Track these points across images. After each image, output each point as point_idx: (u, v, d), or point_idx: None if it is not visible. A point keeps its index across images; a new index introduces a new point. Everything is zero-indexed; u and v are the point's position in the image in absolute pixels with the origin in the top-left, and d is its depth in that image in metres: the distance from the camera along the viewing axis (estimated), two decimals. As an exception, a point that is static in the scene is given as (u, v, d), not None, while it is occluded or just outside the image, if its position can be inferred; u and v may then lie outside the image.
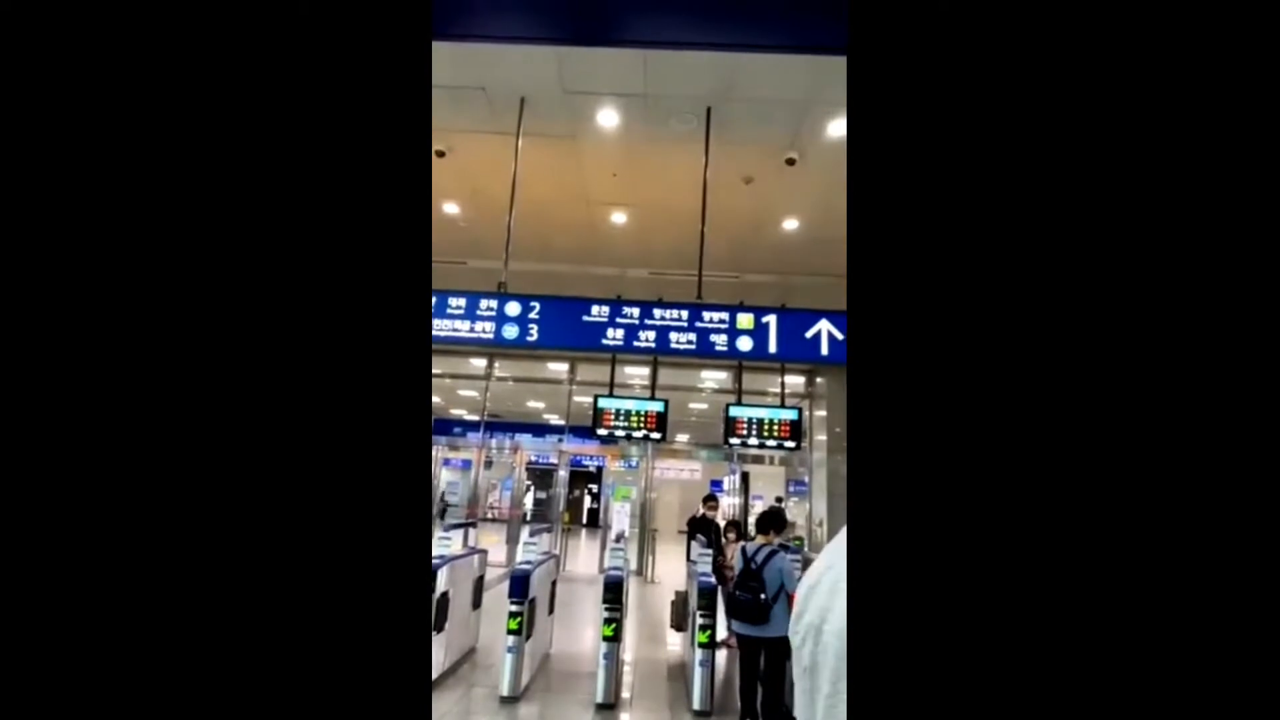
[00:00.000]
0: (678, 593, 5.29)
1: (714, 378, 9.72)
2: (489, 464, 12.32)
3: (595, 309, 3.95)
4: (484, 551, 5.27)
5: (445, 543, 4.51)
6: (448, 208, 5.71)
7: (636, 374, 9.37)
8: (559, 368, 10.16)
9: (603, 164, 4.87)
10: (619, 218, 5.73)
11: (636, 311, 3.94)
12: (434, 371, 10.45)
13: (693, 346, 3.94)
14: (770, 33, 3.08)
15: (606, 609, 3.95)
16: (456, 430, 13.59)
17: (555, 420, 14.17)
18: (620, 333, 3.92)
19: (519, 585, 3.97)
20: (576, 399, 10.71)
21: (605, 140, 4.56)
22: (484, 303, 3.95)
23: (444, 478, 12.33)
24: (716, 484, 13.23)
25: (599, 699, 3.87)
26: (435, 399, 13.19)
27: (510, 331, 3.91)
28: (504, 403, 12.94)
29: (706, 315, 3.96)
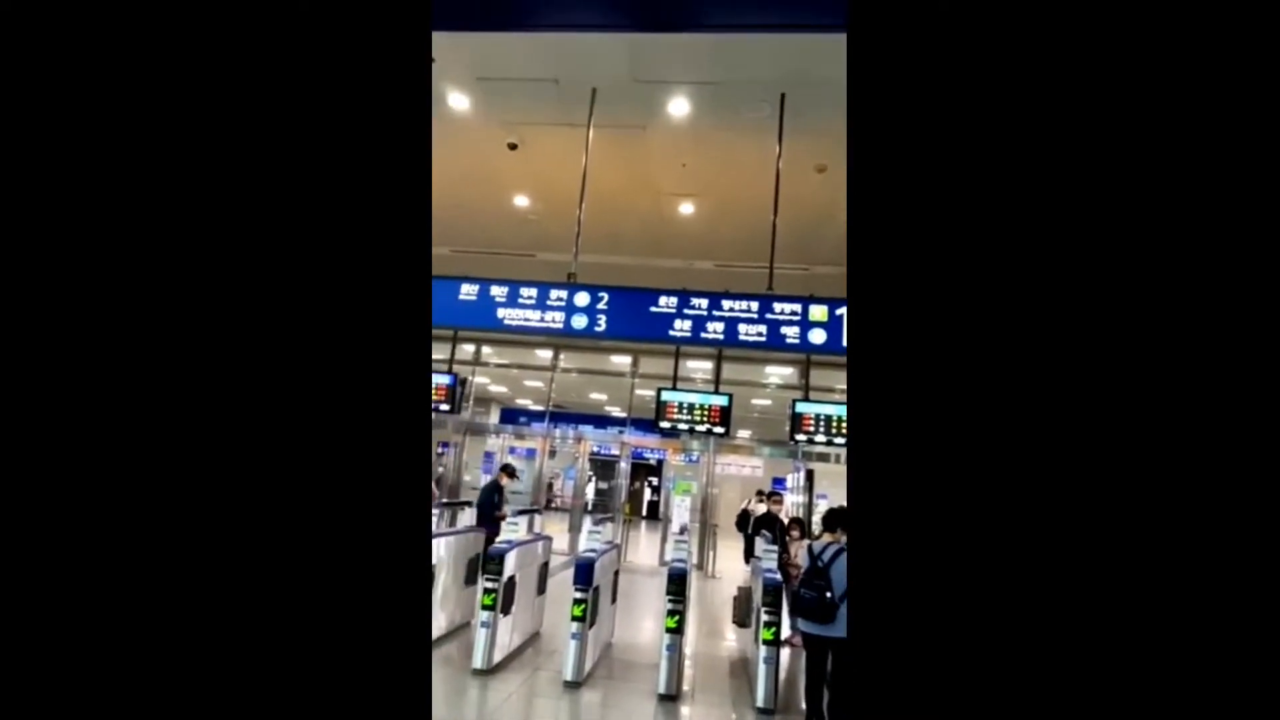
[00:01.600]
0: (740, 588, 5.24)
1: (778, 373, 9.55)
2: (553, 453, 12.54)
3: (663, 300, 3.93)
4: (549, 538, 5.36)
5: (513, 528, 4.61)
6: (518, 200, 5.81)
7: (699, 368, 9.31)
8: (622, 360, 10.22)
9: (672, 154, 4.84)
10: (687, 209, 5.69)
11: (705, 303, 3.90)
12: (503, 362, 10.71)
13: (763, 339, 3.87)
14: (766, 11, 3.01)
15: (670, 600, 3.94)
16: (522, 420, 13.88)
17: (616, 412, 14.28)
18: (688, 324, 3.89)
19: (584, 573, 4.01)
20: (638, 392, 10.74)
21: (675, 130, 4.53)
22: (554, 293, 4.00)
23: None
24: (779, 481, 13.01)
25: (661, 690, 3.87)
26: (502, 388, 13.52)
27: (579, 321, 3.94)
28: (568, 394, 13.14)
29: (778, 307, 3.88)
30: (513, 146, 4.86)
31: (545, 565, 5.16)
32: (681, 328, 3.88)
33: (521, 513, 4.93)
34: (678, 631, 3.93)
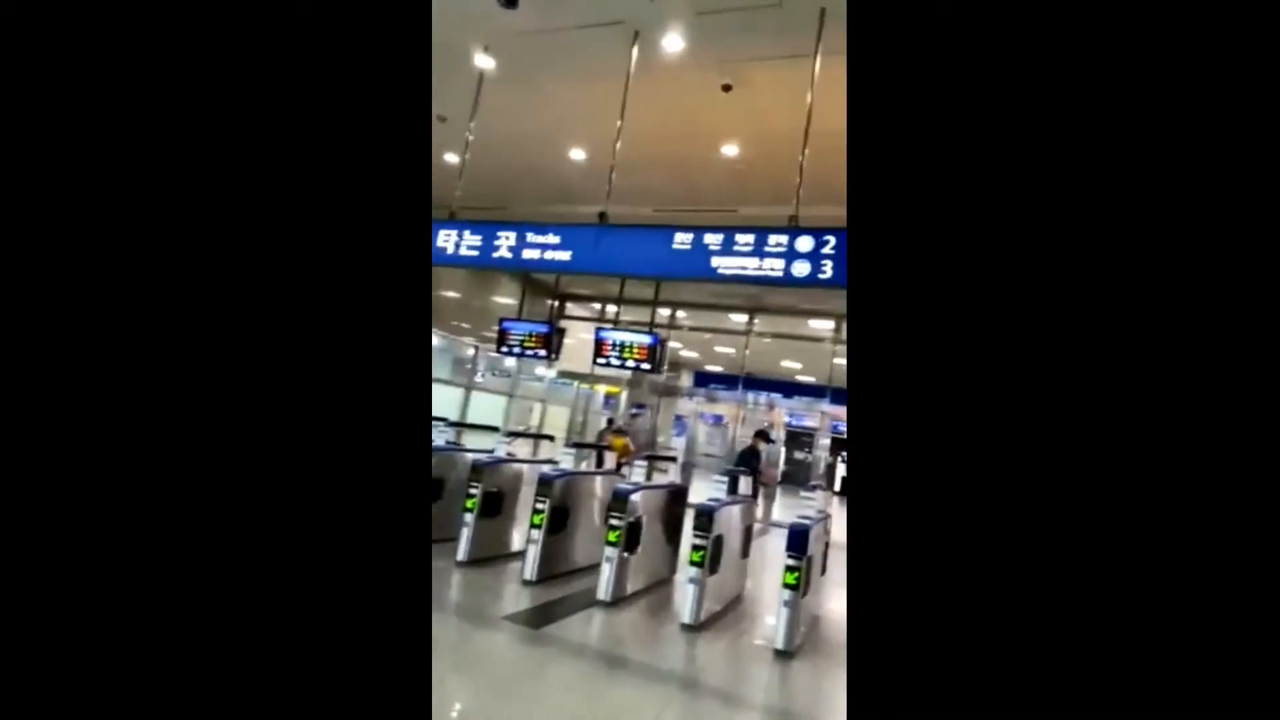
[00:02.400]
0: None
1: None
2: (744, 421, 12.35)
3: (902, 242, 3.45)
4: (753, 500, 5.18)
5: (719, 485, 4.49)
6: (726, 150, 5.56)
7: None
8: (822, 325, 9.64)
9: (908, 80, 4.25)
10: (918, 146, 5.02)
11: (955, 243, 3.35)
12: (695, 325, 10.67)
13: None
14: None
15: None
16: (714, 385, 13.85)
17: (809, 381, 13.64)
18: (933, 269, 3.38)
19: (798, 540, 3.76)
20: (838, 361, 10.10)
21: (915, 50, 3.94)
22: (773, 238, 3.71)
23: (701, 431, 12.69)
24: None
25: (884, 675, 3.53)
26: (694, 354, 13.56)
27: (800, 269, 3.62)
28: (759, 361, 12.79)
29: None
30: (727, 88, 4.58)
31: (749, 529, 5.00)
32: (924, 273, 3.38)
33: (728, 473, 4.79)
34: (904, 615, 3.54)
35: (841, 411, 11.46)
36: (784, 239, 3.67)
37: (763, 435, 5.79)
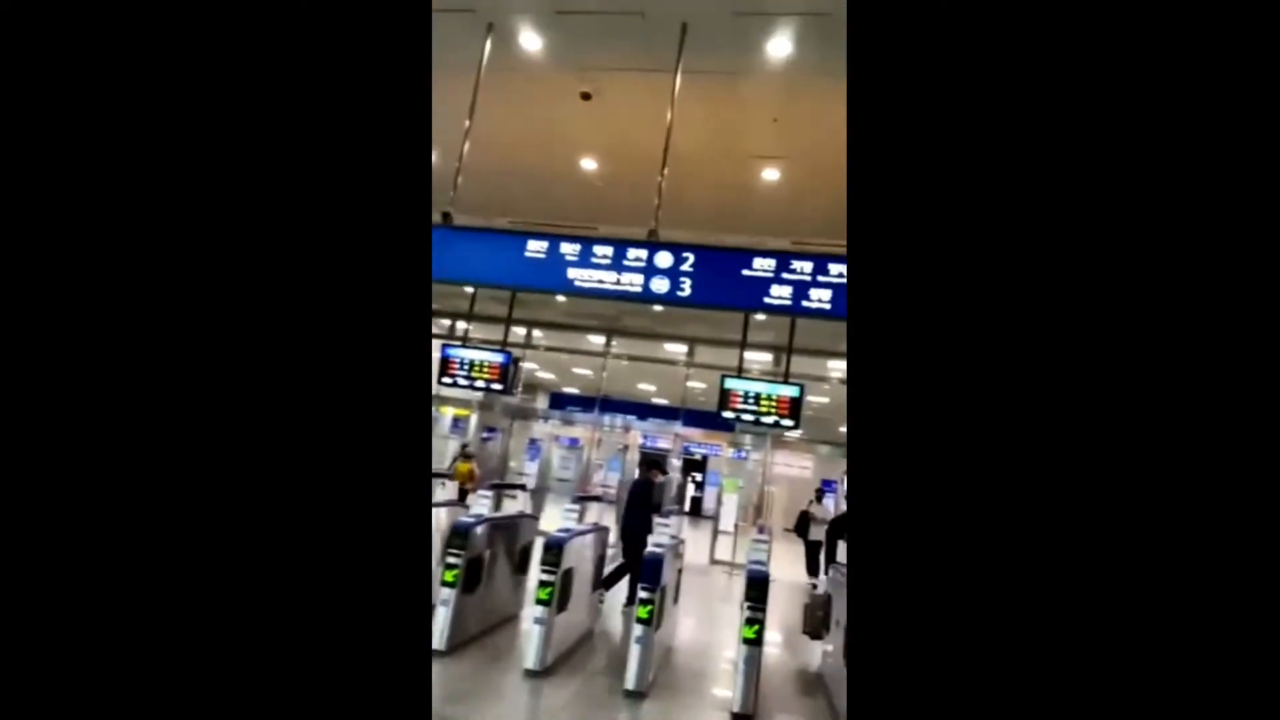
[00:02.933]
0: (814, 596, 4.73)
1: (842, 369, 8.95)
2: (599, 443, 12.17)
3: (759, 262, 3.42)
4: (606, 529, 4.93)
5: (571, 516, 4.20)
6: (585, 163, 5.38)
7: (756, 360, 8.80)
8: (676, 349, 9.77)
9: (763, 107, 4.33)
10: (771, 174, 5.16)
11: (809, 266, 3.38)
12: (554, 345, 10.37)
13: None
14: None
15: (749, 608, 3.46)
16: (570, 407, 13.55)
17: (663, 403, 13.84)
18: (787, 290, 3.38)
19: (652, 571, 3.56)
20: (690, 384, 10.29)
21: (770, 76, 4.01)
22: (632, 253, 3.55)
23: (556, 455, 12.32)
24: (829, 484, 12.37)
25: (736, 708, 3.40)
26: (549, 375, 13.21)
27: (659, 285, 3.48)
28: (615, 383, 12.74)
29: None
30: (586, 96, 4.40)
31: (602, 558, 4.75)
32: (779, 295, 3.37)
33: (582, 499, 4.51)
34: (756, 644, 3.45)
35: (692, 433, 11.66)
36: (643, 253, 3.52)
37: (657, 465, 5.24)
